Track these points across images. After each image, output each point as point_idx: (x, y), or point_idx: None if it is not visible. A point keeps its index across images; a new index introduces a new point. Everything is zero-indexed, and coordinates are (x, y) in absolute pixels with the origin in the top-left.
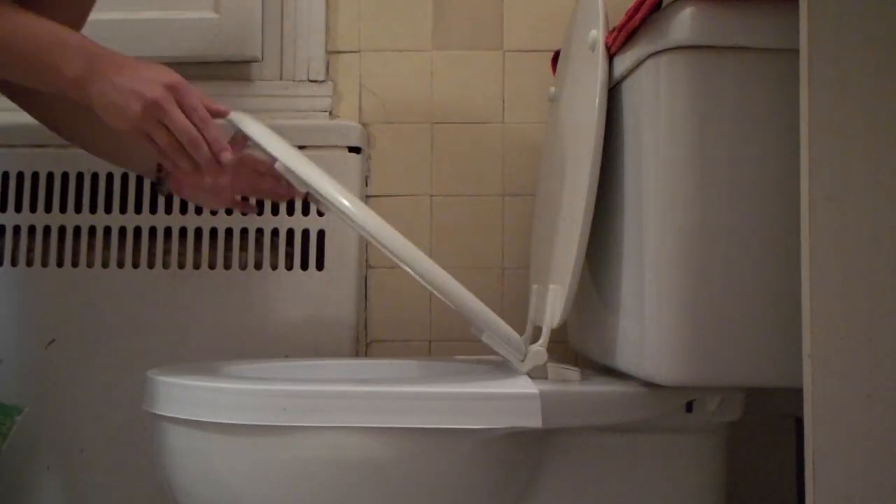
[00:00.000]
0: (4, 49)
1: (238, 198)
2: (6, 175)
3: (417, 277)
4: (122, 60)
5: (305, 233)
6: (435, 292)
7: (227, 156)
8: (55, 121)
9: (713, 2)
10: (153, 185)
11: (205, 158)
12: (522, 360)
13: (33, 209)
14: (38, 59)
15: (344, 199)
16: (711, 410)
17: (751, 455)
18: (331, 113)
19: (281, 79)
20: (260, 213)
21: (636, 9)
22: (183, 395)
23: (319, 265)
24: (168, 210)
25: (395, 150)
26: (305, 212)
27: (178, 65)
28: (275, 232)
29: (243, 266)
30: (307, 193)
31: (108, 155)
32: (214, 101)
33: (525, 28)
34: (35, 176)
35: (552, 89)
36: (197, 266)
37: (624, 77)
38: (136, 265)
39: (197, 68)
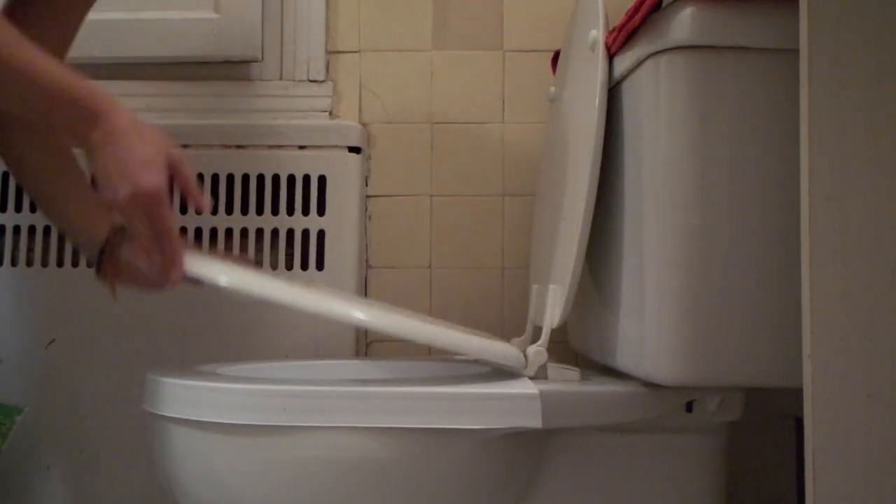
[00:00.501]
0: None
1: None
2: (6, 175)
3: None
4: (112, 129)
5: (305, 233)
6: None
7: (175, 279)
8: (18, 167)
9: (713, 2)
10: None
11: (155, 267)
12: (525, 367)
13: (33, 209)
14: (34, 95)
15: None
16: (711, 410)
17: (751, 455)
18: (331, 113)
19: (281, 79)
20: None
21: (636, 9)
22: (183, 395)
23: (319, 265)
24: None
25: (395, 150)
26: (305, 212)
27: (178, 65)
28: (275, 232)
29: None
30: None
31: (56, 223)
32: (201, 193)
33: (525, 28)
34: None
35: (552, 89)
36: None
37: (624, 77)
38: None
39: (197, 68)
